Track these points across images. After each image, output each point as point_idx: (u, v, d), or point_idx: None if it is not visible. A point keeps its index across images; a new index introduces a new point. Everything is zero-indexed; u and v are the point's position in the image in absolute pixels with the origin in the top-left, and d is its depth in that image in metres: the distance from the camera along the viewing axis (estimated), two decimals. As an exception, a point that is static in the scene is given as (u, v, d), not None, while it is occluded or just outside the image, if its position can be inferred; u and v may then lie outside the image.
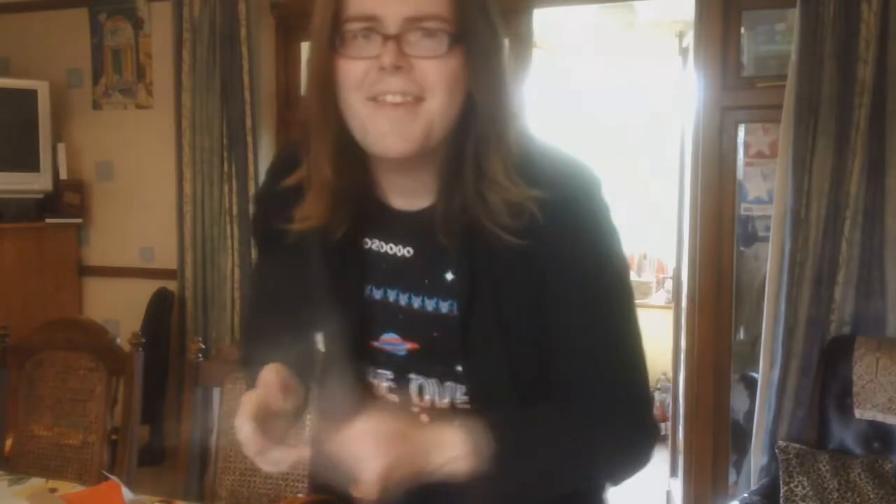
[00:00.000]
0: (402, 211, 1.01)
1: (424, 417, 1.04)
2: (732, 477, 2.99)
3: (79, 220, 3.71)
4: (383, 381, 1.06)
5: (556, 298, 0.96)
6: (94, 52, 3.70)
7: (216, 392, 2.10)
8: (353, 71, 0.91)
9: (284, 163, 1.08)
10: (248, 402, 0.94)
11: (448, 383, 1.01)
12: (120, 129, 3.69)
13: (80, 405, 2.18)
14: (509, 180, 0.92)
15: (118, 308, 3.62)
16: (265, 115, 3.40)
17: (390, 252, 1.03)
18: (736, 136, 2.96)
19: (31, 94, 3.49)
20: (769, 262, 2.70)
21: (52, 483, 1.83)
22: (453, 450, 0.88)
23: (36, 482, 1.84)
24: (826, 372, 2.50)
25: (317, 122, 0.96)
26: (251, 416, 0.92)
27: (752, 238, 3.52)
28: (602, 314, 0.96)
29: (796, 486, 2.37)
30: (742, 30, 2.91)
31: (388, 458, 0.84)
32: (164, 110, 3.52)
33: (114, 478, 1.76)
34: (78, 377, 2.20)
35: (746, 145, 3.12)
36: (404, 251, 1.02)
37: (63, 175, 3.66)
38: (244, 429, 0.91)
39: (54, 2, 3.74)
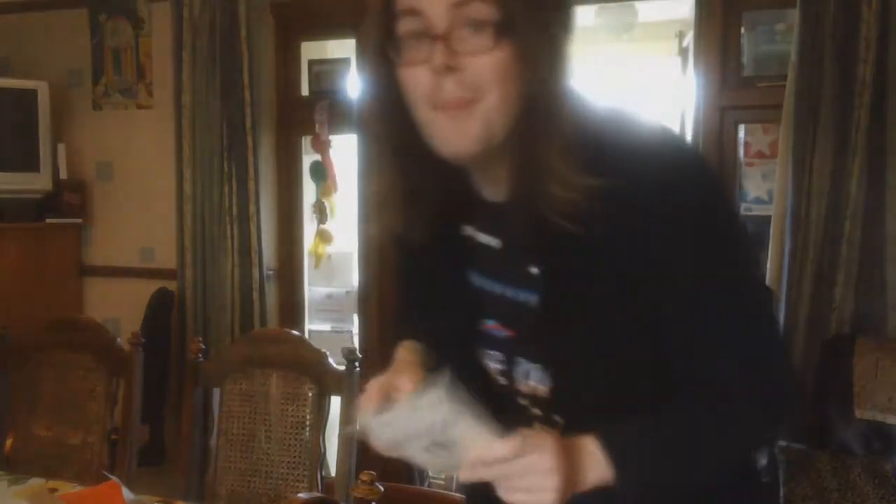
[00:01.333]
0: (492, 202, 1.02)
1: (526, 404, 1.06)
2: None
3: (79, 220, 3.71)
4: (495, 362, 1.08)
5: (656, 287, 0.92)
6: (94, 52, 3.70)
7: (216, 392, 2.10)
8: (413, 78, 0.92)
9: None
10: (370, 389, 1.00)
11: (549, 371, 1.02)
12: (120, 129, 3.69)
13: (80, 405, 2.18)
14: (569, 170, 0.90)
15: (118, 308, 3.62)
16: (265, 115, 3.40)
17: (483, 242, 1.05)
18: (736, 136, 2.96)
19: (31, 94, 3.49)
20: (769, 262, 2.70)
21: (52, 483, 1.83)
22: (599, 465, 0.90)
23: (36, 482, 1.84)
24: (826, 372, 2.50)
25: (380, 126, 0.99)
26: (372, 401, 0.98)
27: (752, 238, 3.52)
28: (709, 294, 0.93)
29: (796, 487, 2.37)
30: (742, 30, 2.91)
31: (562, 474, 0.86)
32: (164, 110, 3.52)
33: (114, 478, 1.76)
34: (78, 377, 2.20)
35: (746, 145, 3.12)
36: (492, 241, 1.04)
37: (63, 175, 3.66)
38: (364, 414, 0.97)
39: (54, 2, 3.74)
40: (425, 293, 1.15)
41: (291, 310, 3.58)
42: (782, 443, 2.50)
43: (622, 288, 0.93)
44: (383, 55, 0.94)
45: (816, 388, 2.53)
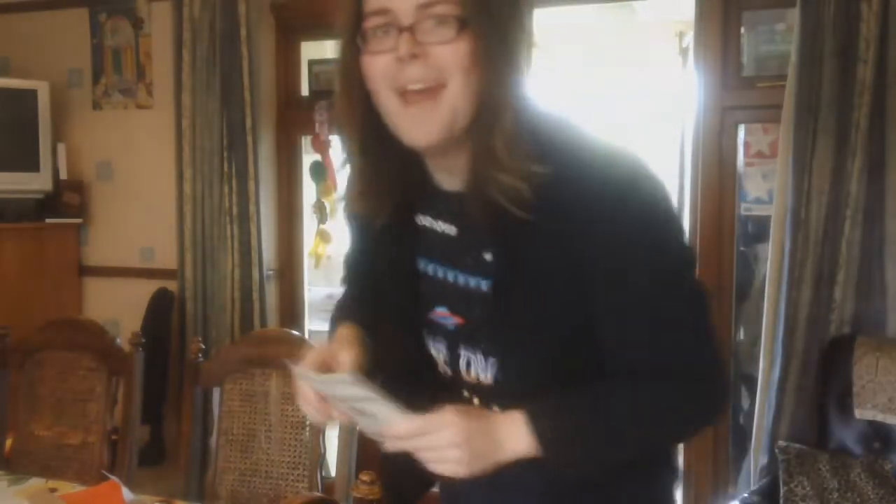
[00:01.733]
0: (448, 191, 1.06)
1: (469, 395, 1.09)
2: (732, 477, 2.99)
3: (79, 220, 3.71)
4: (439, 352, 1.12)
5: (596, 276, 0.97)
6: (94, 52, 3.70)
7: (216, 392, 2.10)
8: (377, 65, 0.97)
9: None
10: (310, 355, 1.06)
11: (491, 359, 1.05)
12: (120, 129, 3.69)
13: (80, 405, 2.18)
14: (513, 158, 0.95)
15: (118, 308, 3.62)
16: (265, 115, 3.40)
17: (438, 229, 1.08)
18: (736, 136, 2.96)
19: (31, 94, 3.49)
20: (769, 262, 2.70)
21: (52, 483, 1.83)
22: (521, 438, 0.96)
23: (36, 482, 1.84)
24: (826, 372, 2.50)
25: (346, 117, 1.04)
26: (309, 366, 1.04)
27: (752, 238, 3.51)
28: (645, 286, 0.97)
29: (796, 486, 2.37)
30: (742, 30, 2.91)
31: (472, 449, 0.93)
32: (164, 110, 3.52)
33: (114, 478, 1.76)
34: (78, 377, 2.20)
35: (746, 145, 3.11)
36: (449, 229, 1.07)
37: (63, 175, 3.65)
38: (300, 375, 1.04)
39: (54, 2, 3.74)
40: (376, 280, 1.18)
41: (291, 310, 3.58)
42: (782, 443, 2.50)
43: (569, 276, 0.97)
44: (352, 45, 0.99)
45: (816, 388, 2.53)
